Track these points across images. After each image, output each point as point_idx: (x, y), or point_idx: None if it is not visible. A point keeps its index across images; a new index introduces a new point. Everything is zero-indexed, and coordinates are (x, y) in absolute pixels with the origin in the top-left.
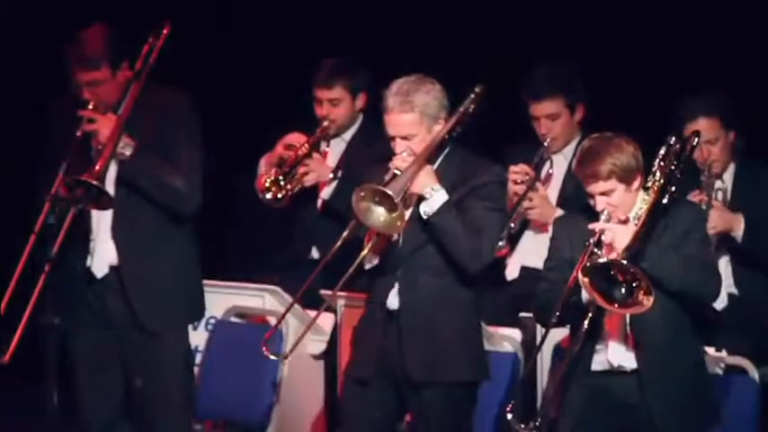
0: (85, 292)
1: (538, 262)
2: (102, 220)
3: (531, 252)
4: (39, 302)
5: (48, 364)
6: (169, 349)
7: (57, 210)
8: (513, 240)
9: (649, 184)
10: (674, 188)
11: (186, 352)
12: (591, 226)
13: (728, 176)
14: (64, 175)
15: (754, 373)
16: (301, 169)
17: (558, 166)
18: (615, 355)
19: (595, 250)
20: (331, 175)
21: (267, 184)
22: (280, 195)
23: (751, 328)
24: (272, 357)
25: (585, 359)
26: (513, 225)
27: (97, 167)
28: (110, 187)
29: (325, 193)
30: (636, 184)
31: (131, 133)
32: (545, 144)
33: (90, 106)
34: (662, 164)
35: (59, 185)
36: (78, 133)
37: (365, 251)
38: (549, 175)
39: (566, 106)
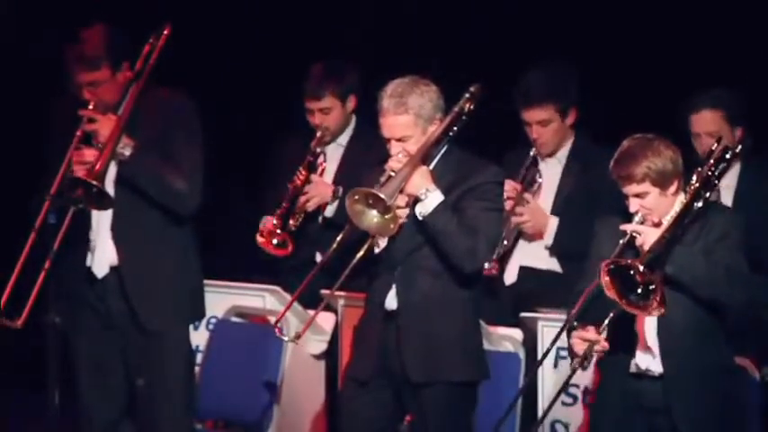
0: (87, 293)
1: (535, 261)
2: (102, 221)
3: (527, 252)
4: (40, 302)
5: (49, 363)
6: (170, 349)
7: (57, 209)
8: (504, 258)
9: (687, 188)
10: (708, 194)
11: (187, 352)
12: (623, 227)
13: (733, 175)
14: (64, 174)
15: (756, 373)
16: (302, 198)
17: (552, 169)
18: (643, 358)
19: (626, 251)
20: (331, 195)
21: (266, 238)
22: (284, 240)
23: (752, 328)
24: (285, 339)
25: (622, 361)
26: (506, 242)
27: (97, 167)
28: (109, 187)
29: (329, 211)
30: (672, 188)
31: (132, 134)
32: (531, 153)
33: (90, 106)
34: (700, 168)
35: (59, 185)
36: (78, 132)
37: (371, 238)
38: (539, 185)
39: (557, 112)
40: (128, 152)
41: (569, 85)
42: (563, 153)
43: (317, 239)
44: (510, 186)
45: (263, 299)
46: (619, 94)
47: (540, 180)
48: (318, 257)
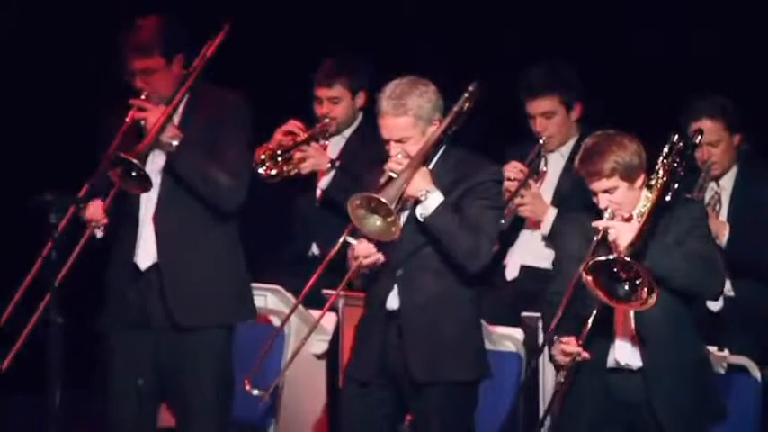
0: (129, 288)
1: (537, 260)
2: (148, 215)
3: (529, 251)
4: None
5: (50, 364)
6: (203, 348)
7: (59, 209)
8: (510, 239)
9: (653, 181)
10: (676, 185)
11: (222, 352)
12: (594, 224)
13: (730, 179)
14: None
15: (757, 373)
16: (298, 154)
17: (555, 164)
18: (622, 353)
19: (599, 248)
20: (329, 165)
21: (263, 158)
22: (273, 172)
23: (754, 328)
24: (255, 393)
25: (598, 357)
26: (503, 222)
27: (140, 147)
28: (155, 178)
29: (324, 182)
30: (639, 181)
31: (183, 128)
32: (540, 141)
33: (143, 96)
34: (665, 161)
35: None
36: (127, 120)
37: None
38: (542, 173)
39: (562, 104)
40: (175, 143)
41: (573, 78)
42: (567, 149)
43: (312, 225)
44: (516, 168)
45: (265, 298)
46: (622, 93)
47: (545, 169)
48: (315, 249)
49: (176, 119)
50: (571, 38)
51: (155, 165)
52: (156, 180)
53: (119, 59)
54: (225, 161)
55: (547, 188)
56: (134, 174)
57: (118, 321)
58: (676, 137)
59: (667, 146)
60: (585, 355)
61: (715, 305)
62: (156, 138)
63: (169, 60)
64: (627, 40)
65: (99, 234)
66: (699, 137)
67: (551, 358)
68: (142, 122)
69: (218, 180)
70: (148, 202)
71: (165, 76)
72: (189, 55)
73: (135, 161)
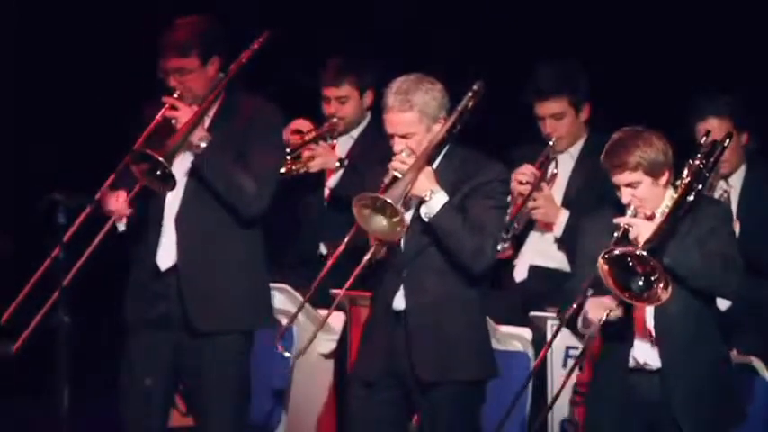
0: (150, 288)
1: (546, 261)
2: (170, 216)
3: (538, 251)
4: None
5: (59, 364)
6: (221, 352)
7: (67, 210)
8: (519, 241)
9: (678, 181)
10: (700, 186)
11: (239, 356)
12: (616, 220)
13: (738, 177)
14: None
15: (765, 373)
16: (306, 153)
17: (564, 165)
18: (641, 352)
19: (620, 245)
20: (337, 164)
21: None
22: (282, 170)
23: (762, 328)
24: (287, 355)
25: (620, 356)
26: (516, 225)
27: (167, 145)
28: (181, 180)
29: (332, 181)
30: (663, 179)
31: (214, 130)
32: (550, 143)
33: (175, 95)
34: (691, 162)
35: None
36: (158, 117)
37: (373, 247)
38: (553, 175)
39: (570, 105)
40: (203, 145)
41: (581, 79)
42: (576, 149)
43: (319, 224)
44: (529, 171)
45: (273, 298)
46: (629, 93)
47: (555, 171)
48: (322, 249)
49: (207, 121)
50: (579, 37)
51: (182, 167)
52: (182, 182)
53: (154, 57)
54: (252, 168)
55: (556, 190)
56: (158, 172)
57: (138, 320)
58: (704, 138)
59: (696, 147)
60: (618, 312)
61: (723, 304)
62: (185, 138)
63: (204, 62)
64: (629, 40)
65: (121, 228)
66: (728, 140)
67: (582, 318)
68: (173, 121)
69: (242, 186)
70: (173, 204)
71: (200, 76)
72: (226, 58)
73: (160, 158)
